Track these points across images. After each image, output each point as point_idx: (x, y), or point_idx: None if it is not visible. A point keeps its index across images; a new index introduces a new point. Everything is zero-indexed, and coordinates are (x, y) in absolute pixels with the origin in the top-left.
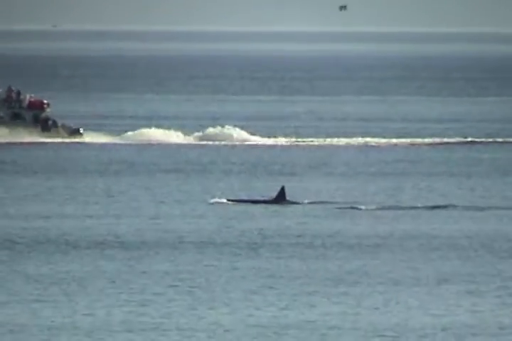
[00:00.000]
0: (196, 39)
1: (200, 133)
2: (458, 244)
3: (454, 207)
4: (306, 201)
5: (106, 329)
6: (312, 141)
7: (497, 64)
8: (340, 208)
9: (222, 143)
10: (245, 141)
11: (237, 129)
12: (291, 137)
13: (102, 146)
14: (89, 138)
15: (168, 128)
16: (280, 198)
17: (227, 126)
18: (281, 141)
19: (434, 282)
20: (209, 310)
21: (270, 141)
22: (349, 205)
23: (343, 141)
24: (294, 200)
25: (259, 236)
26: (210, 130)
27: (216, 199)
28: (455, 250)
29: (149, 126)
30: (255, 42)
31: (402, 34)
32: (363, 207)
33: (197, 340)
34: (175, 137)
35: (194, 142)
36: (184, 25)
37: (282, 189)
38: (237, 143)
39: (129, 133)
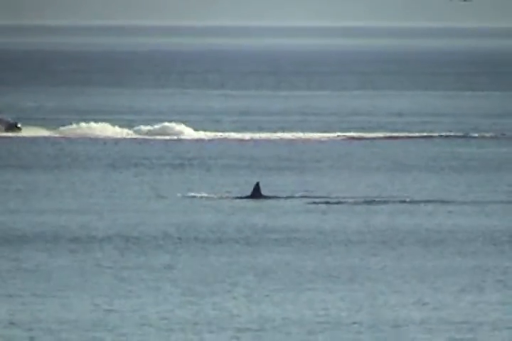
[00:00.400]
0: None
1: (142, 128)
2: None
3: (429, 201)
4: (283, 196)
5: (102, 325)
6: (274, 136)
7: (487, 58)
8: (317, 203)
9: (165, 138)
10: (190, 136)
11: (181, 124)
12: (246, 132)
13: (36, 140)
14: (26, 132)
15: (110, 122)
16: (256, 194)
17: (173, 122)
18: (232, 136)
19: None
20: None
21: (213, 136)
22: (326, 200)
23: (313, 135)
24: (269, 195)
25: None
26: (151, 125)
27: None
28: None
29: (93, 121)
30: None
31: (392, 29)
32: (340, 200)
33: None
34: (113, 132)
35: (132, 136)
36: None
37: (257, 185)
38: (182, 138)
39: (67, 127)
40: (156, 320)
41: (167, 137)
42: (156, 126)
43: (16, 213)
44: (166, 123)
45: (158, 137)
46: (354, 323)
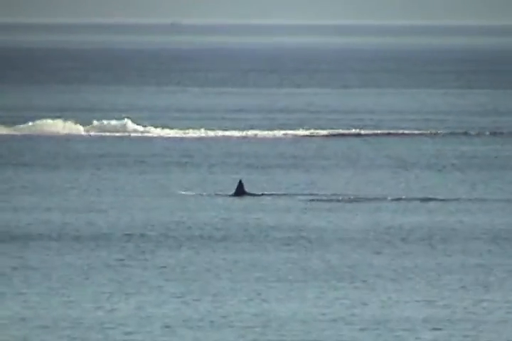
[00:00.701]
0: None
1: (97, 125)
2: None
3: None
4: (267, 193)
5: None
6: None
7: (483, 56)
8: (303, 200)
9: (117, 134)
10: (142, 132)
11: (129, 121)
12: (199, 129)
13: None
14: None
15: (66, 119)
16: (240, 191)
17: (125, 119)
18: (187, 133)
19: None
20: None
21: (165, 133)
22: (310, 197)
23: (266, 133)
24: (254, 193)
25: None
26: (105, 121)
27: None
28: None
29: (50, 118)
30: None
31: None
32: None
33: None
34: (69, 128)
35: (88, 133)
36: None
37: (240, 182)
38: (133, 134)
39: (24, 124)
40: (161, 318)
41: (117, 134)
42: (112, 123)
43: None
44: (124, 120)
45: (109, 134)
46: (358, 321)
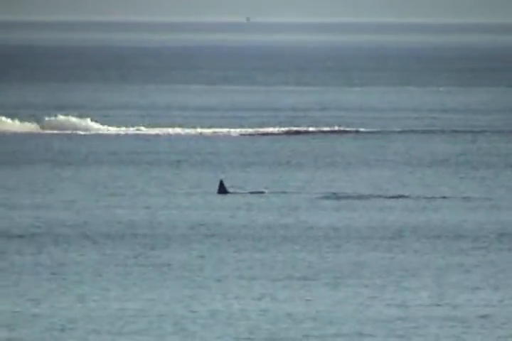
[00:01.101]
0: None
1: (46, 122)
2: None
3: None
4: (248, 191)
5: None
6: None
7: (478, 54)
8: (284, 198)
9: (67, 132)
10: (93, 130)
11: (82, 118)
12: (153, 127)
13: None
14: None
15: (12, 116)
16: (222, 190)
17: (72, 116)
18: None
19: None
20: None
21: (119, 130)
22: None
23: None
24: (235, 191)
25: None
26: (53, 118)
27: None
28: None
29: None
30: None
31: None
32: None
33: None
34: (15, 126)
35: (37, 131)
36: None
37: (221, 181)
38: (83, 132)
39: None
40: (167, 315)
41: (75, 131)
42: (61, 120)
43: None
44: (68, 117)
45: (67, 131)
46: (365, 319)
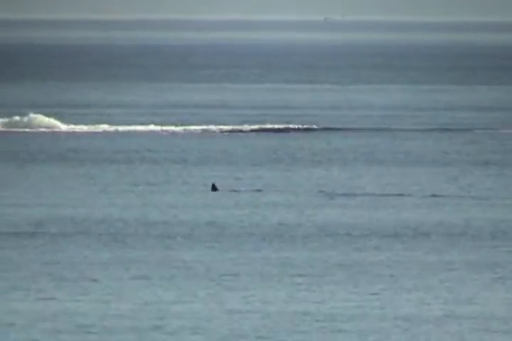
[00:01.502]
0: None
1: (3, 120)
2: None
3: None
4: (242, 190)
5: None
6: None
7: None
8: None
9: (27, 130)
10: (52, 128)
11: (41, 116)
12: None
13: None
14: None
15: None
16: (215, 189)
17: (31, 114)
18: (97, 128)
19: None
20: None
21: (77, 129)
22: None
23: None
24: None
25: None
26: (13, 117)
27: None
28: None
29: None
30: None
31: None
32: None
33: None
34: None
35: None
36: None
37: (213, 185)
38: (43, 130)
39: None
40: (181, 315)
41: (35, 130)
42: (19, 118)
43: None
44: (32, 115)
45: (27, 129)
46: (386, 317)
